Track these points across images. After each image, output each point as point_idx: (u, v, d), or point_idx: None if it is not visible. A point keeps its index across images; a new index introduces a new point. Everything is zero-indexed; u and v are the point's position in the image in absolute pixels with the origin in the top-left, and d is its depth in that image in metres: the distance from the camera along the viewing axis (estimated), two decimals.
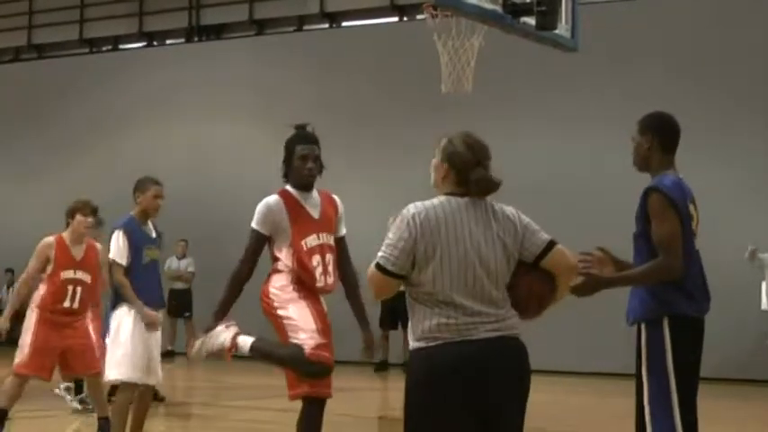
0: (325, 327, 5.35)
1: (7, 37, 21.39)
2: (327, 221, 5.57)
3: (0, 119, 20.77)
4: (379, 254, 3.89)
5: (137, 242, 7.23)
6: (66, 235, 8.11)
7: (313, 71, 17.71)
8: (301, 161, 5.48)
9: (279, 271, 5.45)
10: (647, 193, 4.74)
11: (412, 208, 3.90)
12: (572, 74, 14.84)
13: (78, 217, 8.04)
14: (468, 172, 3.93)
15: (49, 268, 8.03)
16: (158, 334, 7.39)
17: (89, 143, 19.70)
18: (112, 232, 7.25)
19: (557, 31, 8.18)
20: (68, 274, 8.03)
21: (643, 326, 4.73)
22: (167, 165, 15.97)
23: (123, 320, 7.18)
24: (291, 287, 5.38)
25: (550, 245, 3.94)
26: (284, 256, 5.42)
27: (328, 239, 5.52)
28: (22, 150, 20.36)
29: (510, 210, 3.99)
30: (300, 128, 5.62)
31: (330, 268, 5.48)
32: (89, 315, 8.27)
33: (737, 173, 14.63)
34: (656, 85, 14.55)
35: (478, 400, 3.76)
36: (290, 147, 5.52)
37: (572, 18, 8.43)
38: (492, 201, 3.98)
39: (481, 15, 7.93)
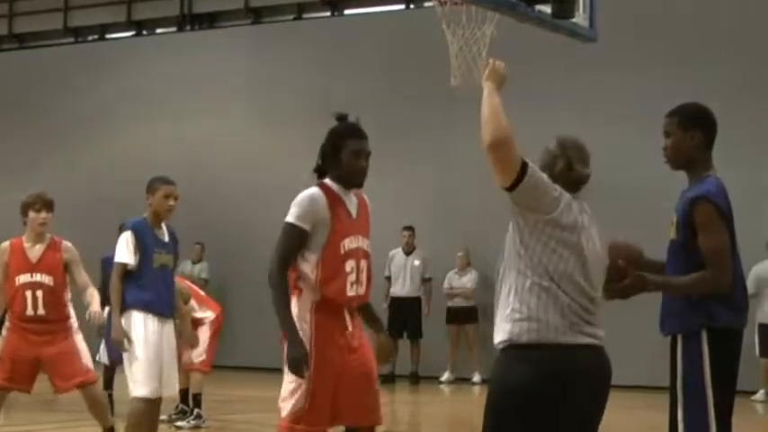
0: (332, 380, 5.01)
1: None
2: (364, 224, 5.32)
3: None
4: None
5: (146, 246, 7.19)
6: (24, 236, 7.83)
7: (313, 62, 17.67)
8: (354, 157, 5.26)
9: (298, 290, 5.09)
10: (695, 202, 4.66)
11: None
12: (590, 65, 14.81)
13: (31, 213, 7.74)
14: (570, 172, 4.26)
15: (6, 275, 7.75)
16: (173, 342, 7.34)
17: (74, 137, 19.63)
18: (120, 233, 7.27)
19: (574, 20, 8.19)
20: (24, 277, 7.70)
21: (680, 337, 4.70)
22: (157, 161, 15.97)
23: (132, 329, 7.09)
24: (308, 323, 5.03)
25: None
26: (308, 267, 5.05)
27: (364, 243, 5.24)
28: (3, 144, 20.35)
29: None
30: (342, 118, 5.40)
31: (363, 276, 5.19)
32: (71, 322, 7.87)
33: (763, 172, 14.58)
34: (678, 77, 14.49)
35: (570, 409, 3.99)
36: (338, 140, 5.28)
37: (590, 6, 8.43)
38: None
39: (493, 2, 7.93)
